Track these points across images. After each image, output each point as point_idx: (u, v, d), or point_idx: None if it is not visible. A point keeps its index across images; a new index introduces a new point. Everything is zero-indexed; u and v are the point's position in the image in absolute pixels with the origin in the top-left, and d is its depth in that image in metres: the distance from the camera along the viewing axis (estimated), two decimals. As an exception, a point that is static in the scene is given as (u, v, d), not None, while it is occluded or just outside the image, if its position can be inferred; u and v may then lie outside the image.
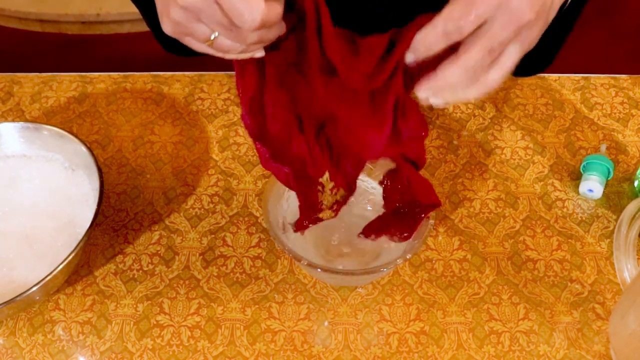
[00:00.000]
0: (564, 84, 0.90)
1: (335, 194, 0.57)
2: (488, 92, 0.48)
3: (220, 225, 0.75)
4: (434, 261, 0.71)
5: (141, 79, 0.92)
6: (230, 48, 0.48)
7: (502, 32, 0.46)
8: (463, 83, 0.48)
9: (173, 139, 0.84)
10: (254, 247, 0.73)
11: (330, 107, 0.50)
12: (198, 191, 0.79)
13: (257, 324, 0.67)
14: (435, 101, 0.49)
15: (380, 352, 0.65)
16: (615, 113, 0.86)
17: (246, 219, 0.76)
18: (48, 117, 0.87)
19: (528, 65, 0.56)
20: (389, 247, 0.67)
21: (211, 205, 0.77)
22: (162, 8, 0.48)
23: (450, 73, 0.47)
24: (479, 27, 0.46)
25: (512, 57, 0.48)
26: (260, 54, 0.49)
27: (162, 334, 0.66)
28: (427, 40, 0.46)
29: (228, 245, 0.73)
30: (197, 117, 0.87)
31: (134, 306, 0.69)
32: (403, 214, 0.60)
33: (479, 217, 0.75)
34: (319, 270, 0.63)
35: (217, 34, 0.46)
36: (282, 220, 0.69)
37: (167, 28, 0.48)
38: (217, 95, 0.89)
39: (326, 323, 0.67)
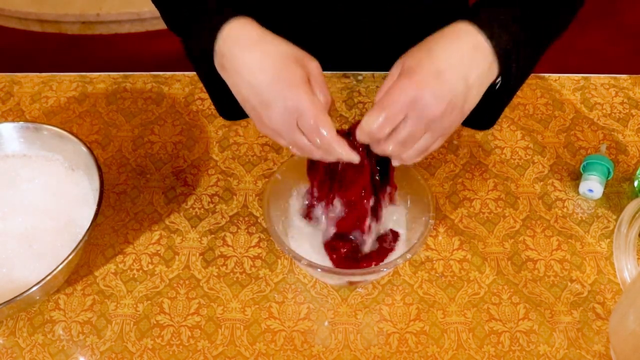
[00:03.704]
0: (564, 84, 0.90)
1: None
2: (408, 163, 0.60)
3: (220, 225, 0.75)
4: (434, 261, 0.71)
5: (141, 79, 0.92)
6: (299, 154, 0.62)
7: (411, 128, 0.56)
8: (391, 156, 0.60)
9: (173, 139, 0.84)
10: (254, 247, 0.73)
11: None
12: (198, 191, 0.79)
13: (257, 324, 0.67)
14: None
15: (380, 352, 0.65)
16: (615, 113, 0.86)
17: (246, 219, 0.76)
18: (48, 117, 0.87)
19: (474, 124, 0.66)
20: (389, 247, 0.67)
21: (211, 205, 0.77)
22: (254, 115, 0.60)
23: (377, 151, 0.60)
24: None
25: (425, 143, 0.58)
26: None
27: (162, 334, 0.66)
28: (359, 137, 0.58)
29: (228, 245, 0.73)
30: (197, 117, 0.87)
31: (134, 306, 0.69)
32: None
33: (479, 217, 0.75)
34: (319, 270, 0.63)
35: (290, 146, 0.60)
36: (282, 220, 0.69)
37: (261, 132, 0.62)
38: (217, 95, 0.89)
39: (326, 323, 0.67)
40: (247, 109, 0.60)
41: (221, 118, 0.86)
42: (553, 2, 0.61)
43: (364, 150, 0.61)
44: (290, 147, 0.60)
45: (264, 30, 0.60)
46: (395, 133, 0.57)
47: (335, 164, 0.63)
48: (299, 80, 0.56)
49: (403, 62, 0.58)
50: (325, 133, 0.57)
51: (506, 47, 0.57)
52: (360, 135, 0.58)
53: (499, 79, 0.59)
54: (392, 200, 0.69)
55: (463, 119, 0.58)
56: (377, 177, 0.65)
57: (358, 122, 0.58)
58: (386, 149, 0.58)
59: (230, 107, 0.63)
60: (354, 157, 0.58)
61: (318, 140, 0.57)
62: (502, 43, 0.57)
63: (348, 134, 0.61)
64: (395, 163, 0.61)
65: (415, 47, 0.58)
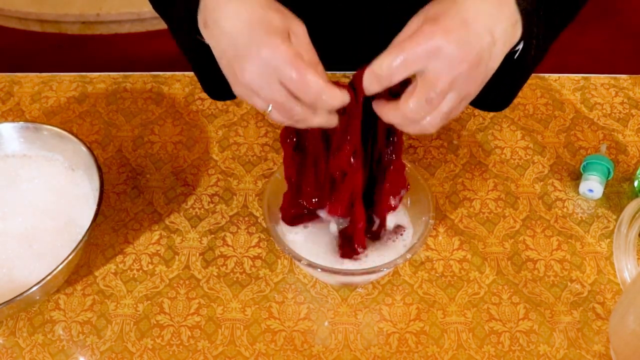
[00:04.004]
0: (564, 84, 0.90)
1: None
2: (430, 131, 0.54)
3: (220, 225, 0.75)
4: (434, 261, 0.71)
5: (141, 79, 0.92)
6: (281, 121, 0.55)
7: (437, 83, 0.50)
8: (405, 125, 0.54)
9: (173, 139, 0.84)
10: (254, 247, 0.73)
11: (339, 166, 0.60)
12: (198, 191, 0.79)
13: (257, 324, 0.67)
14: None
15: (380, 352, 0.65)
16: (615, 113, 0.86)
17: (246, 219, 0.76)
18: (48, 117, 0.87)
19: (487, 104, 0.60)
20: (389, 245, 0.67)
21: (211, 205, 0.77)
22: (229, 73, 0.54)
23: (391, 117, 0.53)
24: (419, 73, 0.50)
25: (449, 104, 0.52)
26: (302, 126, 0.56)
27: (162, 334, 0.66)
28: (367, 83, 0.52)
29: (228, 245, 0.73)
30: (197, 117, 0.87)
31: (134, 306, 0.69)
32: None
33: (479, 217, 0.75)
34: (319, 270, 0.63)
35: (270, 108, 0.53)
36: (282, 220, 0.69)
37: (236, 93, 0.55)
38: (217, 95, 0.89)
39: (326, 323, 0.67)
40: (223, 67, 0.55)
41: (221, 118, 0.86)
42: None
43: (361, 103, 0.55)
44: (269, 110, 0.54)
45: None
46: (418, 87, 0.51)
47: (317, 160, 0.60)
48: (277, 29, 0.51)
49: (426, 12, 0.52)
50: (312, 81, 0.51)
51: (530, 8, 0.54)
52: (369, 80, 0.52)
53: (521, 45, 0.56)
54: (394, 207, 0.66)
55: (486, 79, 0.53)
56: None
57: (363, 69, 0.52)
58: (407, 108, 0.52)
59: (217, 84, 0.59)
60: (346, 98, 0.53)
61: (305, 93, 0.51)
62: (527, 3, 0.54)
63: (352, 88, 0.54)
64: (411, 130, 0.54)
65: None
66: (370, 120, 0.57)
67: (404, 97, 0.52)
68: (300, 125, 0.56)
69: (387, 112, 0.54)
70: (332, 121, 0.55)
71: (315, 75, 0.51)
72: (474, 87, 0.53)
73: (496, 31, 0.51)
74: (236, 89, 0.55)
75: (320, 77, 0.51)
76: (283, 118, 0.55)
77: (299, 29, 0.54)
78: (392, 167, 0.62)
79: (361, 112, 0.56)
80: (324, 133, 0.59)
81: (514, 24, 0.53)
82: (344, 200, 0.62)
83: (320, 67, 0.54)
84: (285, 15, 0.54)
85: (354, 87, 0.54)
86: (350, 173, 0.59)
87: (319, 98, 0.52)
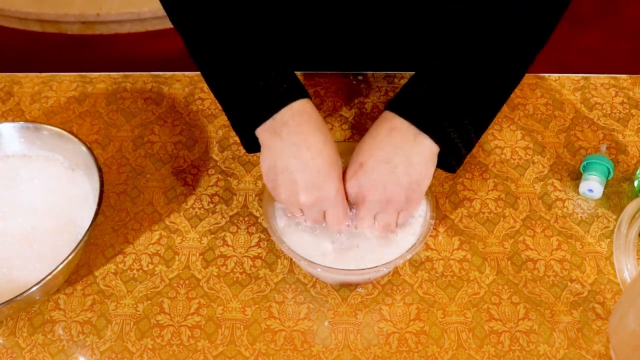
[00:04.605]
0: (564, 84, 0.90)
1: None
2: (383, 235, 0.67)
3: (220, 225, 0.75)
4: (434, 261, 0.71)
5: (141, 79, 0.92)
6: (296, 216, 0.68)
7: (360, 212, 0.66)
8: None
9: (173, 139, 0.84)
10: (254, 247, 0.73)
11: None
12: (198, 191, 0.79)
13: (257, 323, 0.67)
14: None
15: (380, 352, 0.65)
16: (615, 113, 0.86)
17: (246, 219, 0.76)
18: (48, 117, 0.87)
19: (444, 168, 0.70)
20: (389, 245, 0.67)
21: (211, 205, 0.77)
22: (286, 186, 0.64)
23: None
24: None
25: (385, 219, 0.65)
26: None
27: (162, 333, 0.66)
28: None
29: (228, 245, 0.73)
30: (197, 117, 0.87)
31: (134, 306, 0.69)
32: None
33: (479, 217, 0.75)
34: (319, 270, 0.63)
35: (299, 214, 0.67)
36: (282, 220, 0.69)
37: (278, 196, 0.66)
38: (217, 95, 0.89)
39: (326, 323, 0.67)
40: (281, 177, 0.64)
41: (221, 118, 0.86)
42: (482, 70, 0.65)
43: None
44: (299, 216, 0.67)
45: (322, 117, 0.66)
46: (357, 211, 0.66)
47: None
48: (341, 177, 0.65)
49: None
50: (343, 223, 0.66)
51: (426, 118, 0.63)
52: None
53: (440, 144, 0.64)
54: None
55: (417, 192, 0.64)
56: None
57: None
58: (358, 223, 0.67)
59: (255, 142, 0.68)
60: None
61: (335, 227, 0.66)
62: (419, 117, 0.63)
63: None
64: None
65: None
66: None
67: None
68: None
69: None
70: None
71: (347, 217, 0.66)
72: (399, 204, 0.64)
73: (395, 158, 0.62)
74: (285, 196, 0.65)
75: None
76: (309, 223, 0.68)
77: None
78: None
79: None
80: None
81: (413, 140, 0.63)
82: None
83: None
84: (340, 162, 0.66)
85: None
86: None
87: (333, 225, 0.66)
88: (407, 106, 0.64)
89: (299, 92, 0.65)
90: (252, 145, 0.68)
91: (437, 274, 0.70)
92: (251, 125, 0.65)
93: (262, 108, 0.64)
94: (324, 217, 0.66)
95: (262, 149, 0.66)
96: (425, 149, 0.63)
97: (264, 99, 0.64)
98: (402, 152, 0.63)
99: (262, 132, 0.65)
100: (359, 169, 0.64)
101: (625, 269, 0.69)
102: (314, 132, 0.63)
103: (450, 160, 0.66)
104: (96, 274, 0.71)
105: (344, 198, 0.65)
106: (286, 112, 0.63)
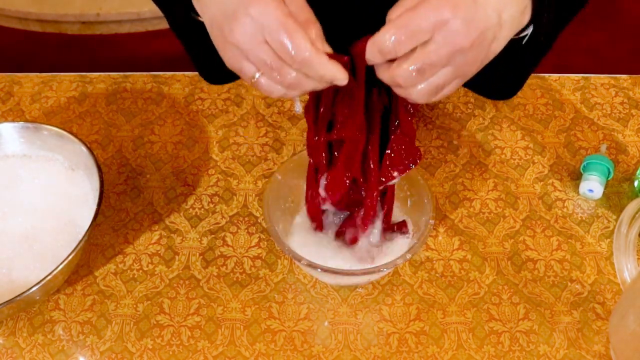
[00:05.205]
0: (564, 84, 0.90)
1: None
2: (416, 101, 0.53)
3: (220, 225, 0.75)
4: (434, 261, 0.71)
5: (141, 79, 0.92)
6: (270, 89, 0.52)
7: (434, 54, 0.49)
8: (393, 86, 0.52)
9: (173, 139, 0.84)
10: (254, 247, 0.73)
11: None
12: (198, 191, 0.79)
13: (257, 324, 0.67)
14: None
15: (380, 352, 0.65)
16: (615, 113, 0.86)
17: (246, 219, 0.76)
18: (48, 117, 0.87)
19: (494, 91, 0.57)
20: (389, 245, 0.67)
21: (211, 205, 0.77)
22: (219, 38, 0.52)
23: (381, 75, 0.52)
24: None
25: (442, 79, 0.51)
26: (294, 95, 0.53)
27: (162, 334, 0.66)
28: (369, 54, 0.50)
29: (228, 245, 0.73)
30: (197, 117, 0.87)
31: (134, 306, 0.69)
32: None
33: (479, 217, 0.75)
34: (319, 270, 0.63)
35: (259, 75, 0.51)
36: (282, 220, 0.69)
37: (225, 62, 0.53)
38: (217, 95, 0.89)
39: (326, 323, 0.67)
40: (214, 37, 0.53)
41: (221, 118, 0.86)
42: None
43: (364, 77, 0.52)
44: (257, 74, 0.52)
45: None
46: (415, 54, 0.49)
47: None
48: None
49: None
50: (301, 44, 0.48)
51: None
52: (371, 52, 0.50)
53: (529, 30, 0.56)
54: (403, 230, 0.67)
55: (486, 61, 0.52)
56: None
57: (362, 40, 0.50)
58: (397, 72, 0.50)
59: (212, 65, 0.58)
60: (339, 75, 0.50)
61: (292, 53, 0.48)
62: None
63: (350, 59, 0.52)
64: (400, 92, 0.53)
65: None
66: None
67: (398, 60, 0.50)
68: (293, 93, 0.53)
69: (378, 69, 0.52)
70: (337, 75, 0.51)
71: (304, 38, 0.48)
72: (472, 67, 0.52)
73: (504, 15, 0.50)
74: (225, 55, 0.52)
75: (310, 41, 0.49)
76: (273, 84, 0.52)
77: None
78: (398, 131, 0.58)
79: (363, 94, 0.54)
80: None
81: (522, 10, 0.52)
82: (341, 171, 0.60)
83: (317, 27, 0.51)
84: None
85: (353, 60, 0.52)
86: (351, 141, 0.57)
87: (309, 64, 0.49)
88: None
89: None
90: (209, 68, 0.58)
91: (437, 274, 0.70)
92: (187, 7, 0.57)
93: None
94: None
95: (201, 18, 0.56)
96: (517, 26, 0.53)
97: None
98: (511, 14, 0.51)
99: (195, 6, 0.56)
100: (469, 2, 0.48)
101: (625, 269, 0.69)
102: None
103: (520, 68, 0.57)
104: (96, 274, 0.71)
105: (284, 11, 0.48)
106: None
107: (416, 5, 0.48)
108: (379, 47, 0.49)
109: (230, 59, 0.52)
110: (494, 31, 0.50)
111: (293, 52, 0.48)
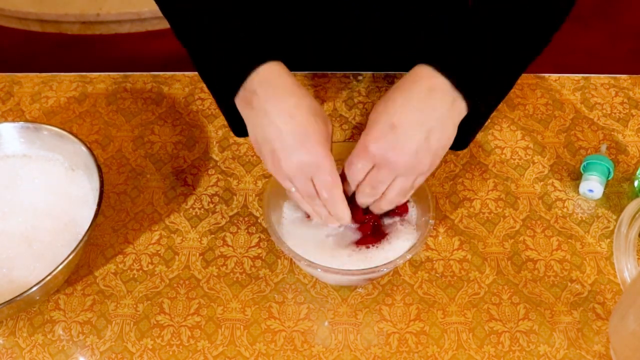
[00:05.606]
0: (564, 84, 0.90)
1: None
2: (381, 209, 0.65)
3: (220, 225, 0.75)
4: (434, 261, 0.71)
5: (141, 79, 0.92)
6: (299, 202, 0.64)
7: (378, 177, 0.60)
8: (363, 202, 0.65)
9: (173, 139, 0.84)
10: (254, 247, 0.73)
11: None
12: (198, 191, 0.79)
13: (257, 324, 0.67)
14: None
15: (380, 352, 0.65)
16: (615, 113, 0.86)
17: (246, 219, 0.76)
18: (48, 117, 0.87)
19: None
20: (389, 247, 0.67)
21: (211, 205, 0.77)
22: (270, 156, 0.61)
23: (360, 203, 0.65)
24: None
25: (397, 190, 0.62)
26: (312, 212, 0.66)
27: (162, 334, 0.66)
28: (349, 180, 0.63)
29: (228, 245, 0.73)
30: (197, 117, 0.87)
31: (134, 306, 0.69)
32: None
33: (479, 217, 0.75)
34: (319, 270, 0.63)
35: (294, 190, 0.63)
36: (282, 220, 0.69)
37: (267, 168, 0.64)
38: (217, 95, 0.89)
39: (326, 323, 0.67)
40: (263, 148, 0.62)
41: (221, 118, 0.86)
42: (518, 28, 0.62)
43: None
44: (294, 192, 0.63)
45: (295, 79, 0.63)
46: (364, 181, 0.62)
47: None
48: (324, 139, 0.60)
49: (369, 117, 0.62)
50: (336, 193, 0.62)
51: (469, 80, 0.59)
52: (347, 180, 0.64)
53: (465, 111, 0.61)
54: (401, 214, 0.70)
55: (440, 157, 0.61)
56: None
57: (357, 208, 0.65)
58: (358, 196, 0.63)
59: (243, 125, 0.66)
60: (345, 219, 0.64)
61: (326, 195, 0.61)
62: (464, 77, 0.58)
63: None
64: (376, 210, 0.65)
65: (382, 97, 0.62)
66: None
67: (362, 182, 0.62)
68: (310, 210, 0.65)
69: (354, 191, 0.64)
70: (343, 219, 0.65)
71: (339, 187, 0.62)
72: (424, 169, 0.60)
73: (429, 121, 0.58)
74: (274, 170, 0.62)
75: (341, 189, 0.62)
76: (302, 201, 0.64)
77: (331, 131, 0.63)
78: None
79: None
80: None
81: (451, 104, 0.59)
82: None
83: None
84: (327, 121, 0.62)
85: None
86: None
87: (334, 206, 0.62)
88: (448, 64, 0.59)
89: (265, 54, 0.62)
90: (239, 127, 0.66)
91: (437, 274, 0.70)
92: (227, 98, 0.63)
93: (231, 77, 0.62)
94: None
95: (245, 122, 0.64)
96: (457, 115, 0.60)
97: (231, 67, 0.62)
98: (439, 116, 0.58)
99: (238, 104, 0.63)
100: (389, 131, 0.58)
101: (625, 269, 0.69)
102: (283, 96, 0.60)
103: (466, 130, 0.63)
104: (96, 274, 0.71)
105: (331, 162, 0.60)
106: (253, 79, 0.61)
107: (350, 159, 0.61)
108: (349, 187, 0.64)
109: (275, 172, 0.62)
110: (425, 141, 0.58)
111: (327, 195, 0.61)
